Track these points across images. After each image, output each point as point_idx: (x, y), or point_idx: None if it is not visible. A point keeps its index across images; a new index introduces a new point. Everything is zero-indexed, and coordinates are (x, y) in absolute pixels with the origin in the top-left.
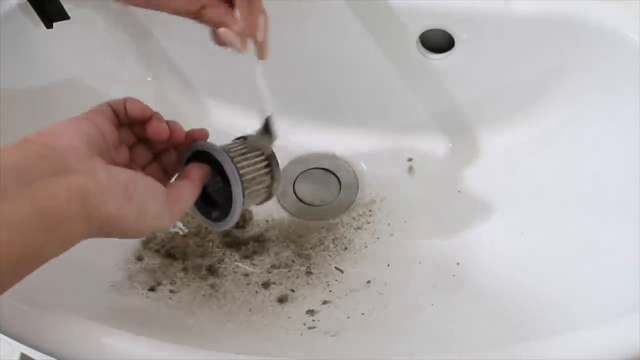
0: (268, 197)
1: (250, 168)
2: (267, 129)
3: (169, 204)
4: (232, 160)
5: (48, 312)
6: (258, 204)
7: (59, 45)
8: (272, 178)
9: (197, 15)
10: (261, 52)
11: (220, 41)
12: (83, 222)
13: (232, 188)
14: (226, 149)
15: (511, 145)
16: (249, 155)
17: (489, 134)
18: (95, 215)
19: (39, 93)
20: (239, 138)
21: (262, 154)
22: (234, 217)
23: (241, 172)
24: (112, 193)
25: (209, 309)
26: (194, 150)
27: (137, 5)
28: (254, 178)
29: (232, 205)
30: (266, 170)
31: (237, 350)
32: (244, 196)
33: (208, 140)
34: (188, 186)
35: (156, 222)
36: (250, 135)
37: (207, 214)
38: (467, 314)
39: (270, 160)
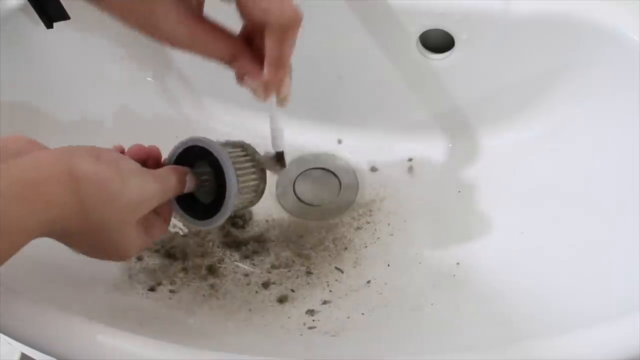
0: (247, 206)
1: (242, 172)
2: (279, 160)
3: (149, 172)
4: (230, 159)
5: (48, 312)
6: (236, 210)
7: (59, 45)
8: (258, 190)
9: (227, 63)
10: (282, 103)
11: (242, 83)
12: (61, 180)
13: (227, 181)
14: (223, 148)
15: (511, 145)
16: (242, 159)
17: (489, 134)
18: (70, 171)
19: (38, 93)
20: (228, 142)
21: (253, 165)
22: (227, 211)
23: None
24: (77, 153)
25: (209, 309)
26: (185, 147)
27: (173, 47)
28: (244, 180)
29: (225, 200)
30: (254, 178)
31: (237, 350)
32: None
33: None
34: (166, 167)
35: (142, 185)
36: (257, 154)
37: (191, 214)
38: (467, 314)
39: (260, 173)
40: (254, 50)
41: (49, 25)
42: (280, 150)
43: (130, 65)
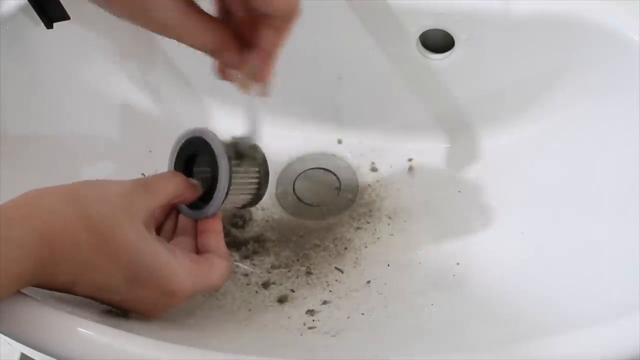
0: (251, 202)
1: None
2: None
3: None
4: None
5: (48, 312)
6: (240, 205)
7: (59, 45)
8: (259, 189)
9: (213, 54)
10: (265, 94)
11: (223, 76)
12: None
13: (219, 170)
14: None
15: (511, 145)
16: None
17: (489, 134)
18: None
19: (38, 93)
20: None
21: (256, 164)
22: (216, 201)
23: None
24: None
25: (209, 308)
26: (187, 138)
27: (159, 32)
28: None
29: (215, 193)
30: (255, 178)
31: (237, 350)
32: (229, 186)
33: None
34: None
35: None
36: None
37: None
38: (467, 314)
39: (261, 174)
40: (238, 41)
41: (49, 25)
42: (254, 143)
43: (131, 65)
